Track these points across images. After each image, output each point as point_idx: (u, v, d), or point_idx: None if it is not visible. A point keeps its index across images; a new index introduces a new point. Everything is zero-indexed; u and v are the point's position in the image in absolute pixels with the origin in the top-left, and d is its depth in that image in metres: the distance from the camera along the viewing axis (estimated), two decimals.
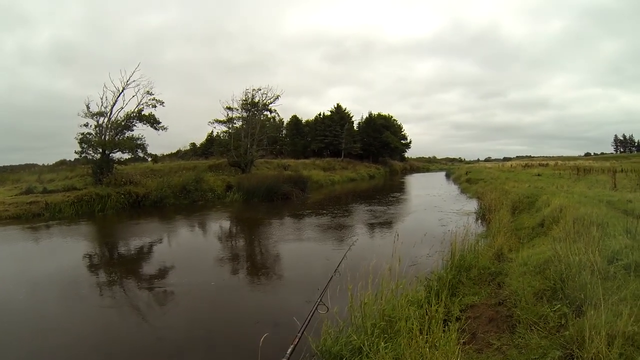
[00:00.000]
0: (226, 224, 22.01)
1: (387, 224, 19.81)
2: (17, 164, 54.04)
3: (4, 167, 52.03)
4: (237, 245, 16.61)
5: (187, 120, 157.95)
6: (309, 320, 3.84)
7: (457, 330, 5.13)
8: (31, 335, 7.66)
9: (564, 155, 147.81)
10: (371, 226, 19.19)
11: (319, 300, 4.35)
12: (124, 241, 17.27)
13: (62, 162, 50.15)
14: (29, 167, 47.28)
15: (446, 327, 5.29)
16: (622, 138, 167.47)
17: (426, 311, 5.56)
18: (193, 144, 75.62)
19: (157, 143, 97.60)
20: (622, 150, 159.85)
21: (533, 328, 5.06)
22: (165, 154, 65.78)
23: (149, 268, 12.82)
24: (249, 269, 12.81)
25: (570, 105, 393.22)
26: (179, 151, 72.14)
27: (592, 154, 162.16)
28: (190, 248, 16.04)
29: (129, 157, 36.03)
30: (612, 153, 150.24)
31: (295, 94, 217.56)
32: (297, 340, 3.33)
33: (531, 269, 7.21)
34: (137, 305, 9.44)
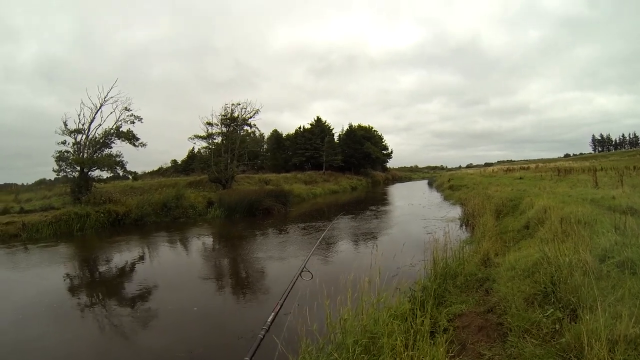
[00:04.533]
0: (206, 241, 21.49)
1: (370, 235, 19.48)
2: None
3: None
4: (217, 263, 16.09)
5: (172, 137, 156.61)
6: (292, 287, 3.57)
7: (445, 342, 4.82)
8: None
9: (544, 157, 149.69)
10: (353, 238, 18.88)
11: (303, 266, 4.03)
12: (102, 262, 16.68)
13: (42, 182, 49.03)
14: (7, 187, 46.02)
15: (433, 339, 5.01)
16: (599, 138, 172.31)
17: (411, 324, 5.23)
18: (174, 161, 74.66)
19: (140, 160, 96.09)
20: (600, 149, 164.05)
21: (526, 336, 4.72)
22: (147, 171, 65.16)
23: (127, 291, 12.25)
24: (230, 287, 12.47)
25: (548, 110, 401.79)
26: (160, 168, 71.32)
27: (572, 154, 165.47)
28: (170, 268, 15.49)
29: (110, 175, 35.41)
30: (590, 153, 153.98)
31: (279, 109, 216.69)
32: (278, 307, 3.07)
33: (519, 273, 6.90)
34: (114, 332, 9.03)
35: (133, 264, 16.04)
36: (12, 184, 50.82)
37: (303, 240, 19.18)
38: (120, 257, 17.45)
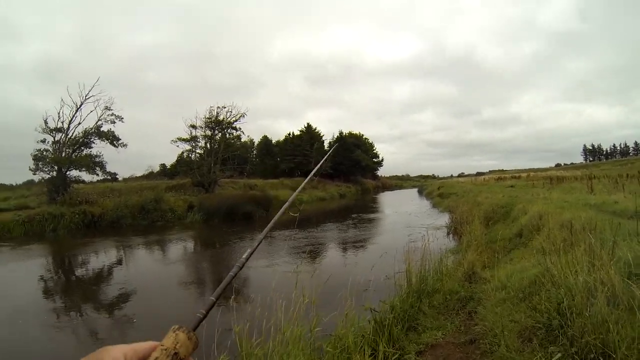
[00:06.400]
0: (171, 247, 20.28)
1: (348, 244, 18.28)
2: None
3: None
4: (169, 269, 15.06)
5: (169, 142, 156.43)
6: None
7: None
8: None
9: (535, 167, 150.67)
10: (328, 246, 17.80)
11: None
12: (63, 266, 16.16)
13: (30, 182, 47.77)
14: None
15: None
16: (591, 147, 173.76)
17: None
18: (163, 165, 73.89)
19: (132, 164, 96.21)
20: (591, 159, 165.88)
21: None
22: (137, 175, 64.27)
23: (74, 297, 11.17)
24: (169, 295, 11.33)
25: (540, 120, 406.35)
26: (150, 173, 70.22)
27: (563, 164, 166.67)
28: (119, 273, 14.35)
29: (100, 178, 35.26)
30: (581, 162, 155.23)
31: (275, 116, 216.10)
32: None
33: (512, 295, 5.32)
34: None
35: (96, 268, 15.15)
36: (2, 184, 49.70)
37: (269, 249, 17.77)
38: (84, 260, 16.73)
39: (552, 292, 4.30)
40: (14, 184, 49.48)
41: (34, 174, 31.83)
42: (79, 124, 32.34)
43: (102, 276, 13.69)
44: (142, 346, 0.83)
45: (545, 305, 4.21)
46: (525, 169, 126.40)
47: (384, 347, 4.33)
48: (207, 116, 44.02)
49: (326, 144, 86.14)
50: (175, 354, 0.82)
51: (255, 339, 4.19)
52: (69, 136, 31.89)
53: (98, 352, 0.76)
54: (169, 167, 71.12)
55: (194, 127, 43.99)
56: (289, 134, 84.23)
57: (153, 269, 15.16)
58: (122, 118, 34.06)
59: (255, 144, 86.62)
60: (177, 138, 44.52)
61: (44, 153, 30.99)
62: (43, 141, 31.35)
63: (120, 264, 16.05)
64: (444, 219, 23.37)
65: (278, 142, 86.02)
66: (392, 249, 10.75)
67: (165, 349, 0.83)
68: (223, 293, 1.12)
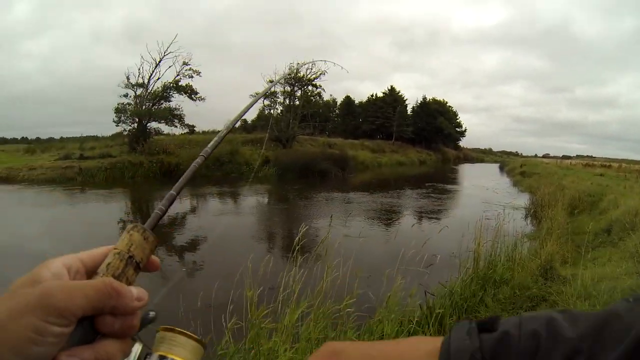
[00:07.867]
0: (243, 200, 21.07)
1: (419, 213, 17.81)
2: (77, 135, 55.99)
3: (65, 138, 54.94)
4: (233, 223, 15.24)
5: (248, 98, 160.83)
6: None
7: None
8: None
9: (629, 158, 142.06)
10: (395, 215, 17.22)
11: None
12: (139, 210, 18.45)
13: (118, 135, 50.59)
14: (88, 139, 47.95)
15: None
16: None
17: None
18: (244, 120, 74.76)
19: (214, 119, 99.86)
20: None
21: None
22: (218, 129, 66.00)
23: None
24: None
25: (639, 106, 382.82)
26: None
27: None
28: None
29: (179, 130, 38.61)
30: None
31: (360, 78, 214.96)
32: None
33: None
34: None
35: (169, 214, 15.16)
36: (94, 136, 53.66)
37: (344, 214, 16.92)
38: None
39: None
40: (100, 136, 52.43)
41: (117, 125, 35.27)
42: (158, 79, 34.86)
43: (175, 223, 14.24)
44: (92, 253, 0.67)
45: None
46: (617, 159, 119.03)
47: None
48: (287, 72, 43.36)
49: (409, 109, 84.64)
50: (130, 257, 0.66)
51: (266, 306, 3.79)
52: (149, 90, 34.59)
53: (37, 267, 0.61)
54: (250, 122, 72.03)
55: (272, 82, 43.45)
56: (372, 95, 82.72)
57: (224, 219, 15.68)
58: (200, 73, 36.21)
59: (338, 104, 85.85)
60: (256, 93, 44.26)
61: (126, 106, 34.14)
62: (125, 96, 34.60)
63: (194, 212, 17.13)
64: (524, 199, 22.04)
65: (361, 102, 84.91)
66: (465, 225, 9.97)
67: (118, 252, 0.67)
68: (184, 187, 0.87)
